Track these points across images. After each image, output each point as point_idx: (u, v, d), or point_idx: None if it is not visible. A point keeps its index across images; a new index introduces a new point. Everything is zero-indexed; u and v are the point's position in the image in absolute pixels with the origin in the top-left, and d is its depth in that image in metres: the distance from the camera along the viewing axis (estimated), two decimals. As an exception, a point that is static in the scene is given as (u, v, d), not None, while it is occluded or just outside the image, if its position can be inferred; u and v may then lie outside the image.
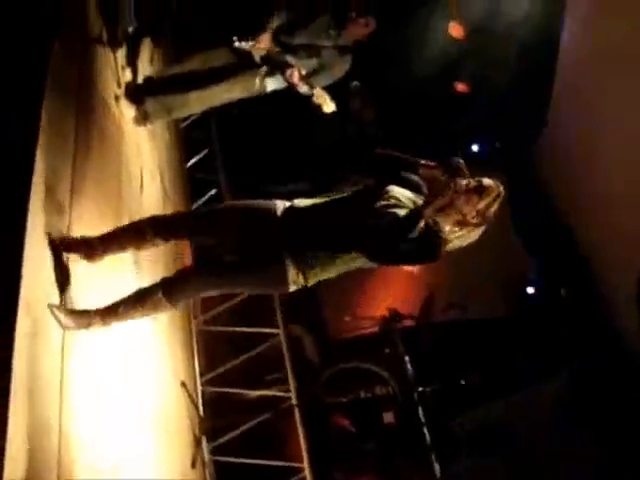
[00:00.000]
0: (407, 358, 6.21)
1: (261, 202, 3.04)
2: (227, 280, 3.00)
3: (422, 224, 2.75)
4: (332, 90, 4.86)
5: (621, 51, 5.77)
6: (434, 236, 2.80)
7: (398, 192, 2.92)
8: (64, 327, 2.79)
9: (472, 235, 2.91)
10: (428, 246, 2.80)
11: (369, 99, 7.21)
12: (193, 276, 3.04)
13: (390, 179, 2.95)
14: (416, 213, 2.78)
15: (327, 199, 2.99)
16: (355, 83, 5.85)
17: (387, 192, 2.92)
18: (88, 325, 2.91)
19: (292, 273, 2.88)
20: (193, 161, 6.80)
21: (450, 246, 2.90)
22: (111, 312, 2.97)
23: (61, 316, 2.77)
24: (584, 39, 6.50)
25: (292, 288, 2.94)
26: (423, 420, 5.80)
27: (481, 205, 2.83)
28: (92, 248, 3.00)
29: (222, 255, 3.01)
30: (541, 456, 5.72)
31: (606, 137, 6.24)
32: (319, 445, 5.31)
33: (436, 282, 7.00)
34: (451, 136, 7.17)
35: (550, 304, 7.16)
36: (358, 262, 2.92)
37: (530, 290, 7.40)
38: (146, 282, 3.15)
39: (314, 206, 2.98)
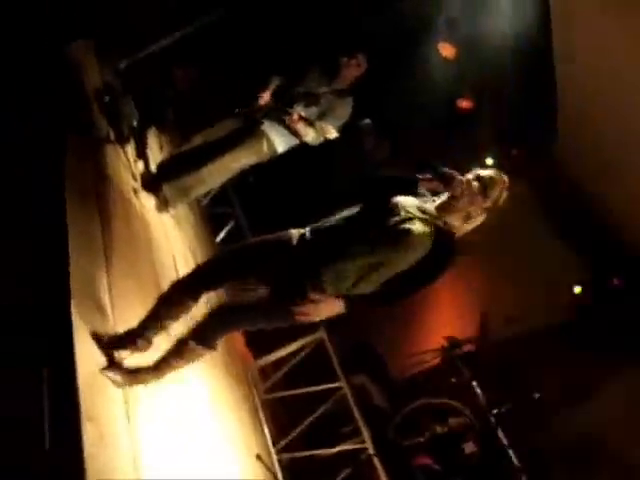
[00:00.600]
0: (474, 383, 6.07)
1: (277, 234, 3.07)
2: (256, 314, 3.00)
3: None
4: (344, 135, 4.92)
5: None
6: (448, 238, 2.91)
7: (406, 203, 2.96)
8: (118, 385, 2.84)
9: (480, 219, 2.99)
10: (447, 252, 2.91)
11: (381, 135, 7.22)
12: (221, 316, 3.03)
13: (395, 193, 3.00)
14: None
15: (341, 220, 3.00)
16: (366, 121, 5.90)
17: (396, 205, 2.94)
18: (142, 381, 2.98)
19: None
20: (222, 235, 6.88)
21: (462, 231, 2.98)
22: (157, 370, 3.03)
23: (114, 376, 2.82)
24: (575, 35, 6.49)
25: None
26: (506, 442, 5.64)
27: (488, 203, 2.94)
28: (134, 339, 3.03)
29: (248, 291, 3.02)
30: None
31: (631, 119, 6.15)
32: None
33: (487, 298, 6.89)
34: (465, 153, 7.15)
35: (602, 298, 7.01)
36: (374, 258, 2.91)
37: (577, 289, 7.24)
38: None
39: (330, 227, 2.99)
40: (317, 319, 2.89)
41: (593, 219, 7.20)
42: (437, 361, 6.84)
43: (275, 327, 3.03)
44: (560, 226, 7.53)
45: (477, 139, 7.49)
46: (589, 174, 7.13)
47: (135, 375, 2.96)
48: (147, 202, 5.04)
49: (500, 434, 5.67)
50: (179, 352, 3.03)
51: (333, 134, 4.91)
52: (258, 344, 5.78)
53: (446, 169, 2.94)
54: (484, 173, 2.96)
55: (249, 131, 5.03)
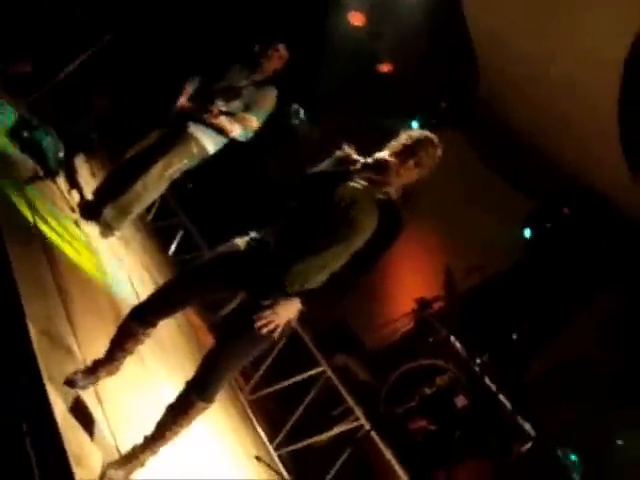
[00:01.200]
0: (452, 338, 6.13)
1: (222, 247, 3.00)
2: (245, 341, 2.91)
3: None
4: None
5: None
6: (392, 209, 2.93)
7: (345, 189, 2.93)
8: None
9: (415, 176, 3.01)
10: (394, 223, 2.94)
11: (312, 118, 7.24)
12: (219, 361, 2.91)
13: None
14: None
15: (293, 219, 2.95)
16: (294, 107, 5.90)
17: (337, 194, 2.92)
18: (141, 465, 2.88)
19: None
20: (173, 247, 6.83)
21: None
22: (157, 440, 2.90)
23: (113, 474, 2.73)
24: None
25: None
26: (494, 388, 5.71)
27: (421, 167, 2.95)
28: (101, 367, 3.01)
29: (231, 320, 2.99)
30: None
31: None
32: (409, 457, 5.21)
33: (445, 254, 6.95)
34: (394, 115, 7.17)
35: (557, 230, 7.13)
36: (339, 258, 2.89)
37: (527, 233, 7.35)
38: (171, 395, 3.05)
39: (285, 227, 2.94)
40: (275, 327, 2.83)
41: (524, 154, 7.30)
42: (411, 325, 6.89)
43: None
44: (501, 168, 7.61)
45: (403, 100, 7.52)
46: (516, 109, 7.21)
47: (131, 461, 2.85)
48: (91, 230, 4.95)
49: (487, 381, 5.73)
50: (181, 415, 2.89)
51: (254, 124, 4.87)
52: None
53: (377, 156, 2.93)
54: (411, 138, 2.96)
55: (176, 136, 4.98)
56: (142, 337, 3.02)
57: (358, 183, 2.96)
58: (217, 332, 3.10)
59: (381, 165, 2.93)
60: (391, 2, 6.62)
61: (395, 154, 2.94)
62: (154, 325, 3.01)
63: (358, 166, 2.97)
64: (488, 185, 7.52)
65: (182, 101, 4.99)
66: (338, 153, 3.01)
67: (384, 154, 2.96)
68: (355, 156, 3.00)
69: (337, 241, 2.87)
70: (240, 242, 2.98)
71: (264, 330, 2.81)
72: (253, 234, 2.98)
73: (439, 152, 2.98)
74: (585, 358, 6.07)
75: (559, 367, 6.31)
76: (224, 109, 4.94)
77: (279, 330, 2.85)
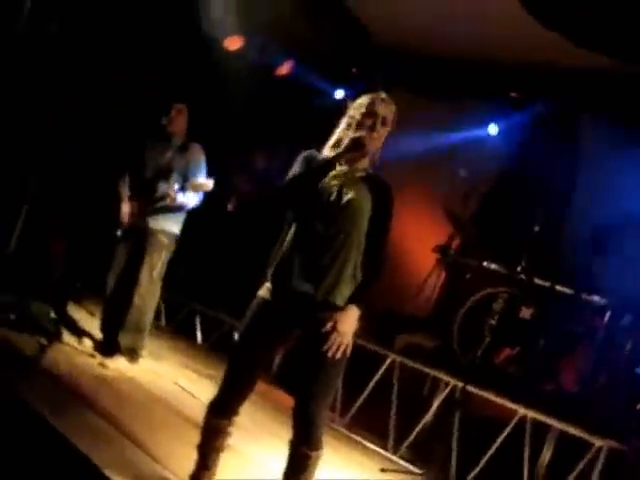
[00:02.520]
0: (485, 263, 6.08)
1: (252, 307, 2.93)
2: (331, 377, 2.85)
3: None
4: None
5: None
6: (377, 179, 2.97)
7: (327, 180, 2.91)
8: None
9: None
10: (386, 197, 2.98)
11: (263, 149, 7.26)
12: (312, 406, 2.83)
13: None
14: None
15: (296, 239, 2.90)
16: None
17: (323, 187, 2.90)
18: None
19: None
20: (199, 334, 6.88)
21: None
22: None
23: None
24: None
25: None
26: (548, 284, 5.64)
27: (388, 126, 2.94)
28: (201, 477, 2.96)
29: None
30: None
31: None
32: (514, 389, 5.17)
33: (437, 200, 6.92)
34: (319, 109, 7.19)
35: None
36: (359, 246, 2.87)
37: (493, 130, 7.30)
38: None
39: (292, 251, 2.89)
40: (349, 339, 2.78)
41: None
42: (443, 275, 6.85)
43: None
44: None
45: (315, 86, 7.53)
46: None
47: None
48: (120, 364, 4.99)
49: (538, 282, 5.68)
50: (302, 471, 2.85)
51: (210, 184, 4.90)
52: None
53: (343, 137, 2.89)
54: (363, 104, 2.92)
55: (141, 240, 5.04)
56: (230, 429, 2.97)
57: (337, 172, 2.92)
58: (287, 382, 3.04)
59: (355, 143, 2.88)
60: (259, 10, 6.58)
61: (358, 125, 2.89)
62: (237, 413, 2.96)
63: (331, 156, 2.93)
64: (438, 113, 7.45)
65: (126, 216, 5.06)
66: (305, 154, 2.97)
67: (346, 132, 2.90)
68: (322, 152, 2.97)
69: (347, 233, 2.83)
70: (263, 293, 2.92)
71: (339, 355, 2.75)
72: (270, 277, 2.93)
73: (392, 104, 2.96)
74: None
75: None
76: (176, 186, 4.98)
77: (350, 345, 2.80)
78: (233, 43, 6.94)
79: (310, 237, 2.85)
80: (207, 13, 6.53)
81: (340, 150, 2.89)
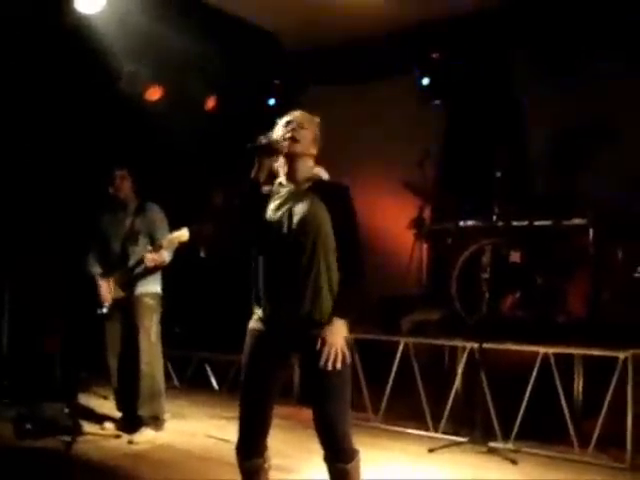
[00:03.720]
0: (461, 223, 6.12)
1: (247, 342, 2.92)
2: (341, 402, 2.83)
3: None
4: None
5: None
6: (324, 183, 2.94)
7: (273, 204, 2.93)
8: None
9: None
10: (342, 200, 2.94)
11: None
12: (333, 421, 2.82)
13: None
14: None
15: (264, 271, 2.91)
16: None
17: (270, 211, 2.91)
18: None
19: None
20: (214, 381, 6.86)
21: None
22: None
23: None
24: None
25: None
26: (527, 223, 5.69)
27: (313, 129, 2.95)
28: None
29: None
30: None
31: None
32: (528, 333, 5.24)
33: (392, 178, 6.96)
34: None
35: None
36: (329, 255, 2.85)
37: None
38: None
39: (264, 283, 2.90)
40: (342, 351, 2.77)
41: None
42: (425, 246, 6.87)
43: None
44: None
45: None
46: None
47: None
48: (147, 436, 4.97)
49: (516, 223, 5.73)
50: None
51: (185, 234, 4.89)
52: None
53: (261, 140, 2.87)
54: (287, 122, 2.94)
55: (128, 309, 5.05)
56: (266, 465, 2.96)
57: (280, 196, 2.94)
58: (307, 400, 3.04)
59: (291, 158, 2.90)
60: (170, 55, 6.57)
61: (289, 139, 2.89)
62: (266, 448, 2.94)
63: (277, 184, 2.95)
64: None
65: (106, 294, 5.06)
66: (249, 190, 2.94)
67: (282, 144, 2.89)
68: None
69: (309, 251, 2.82)
70: (252, 324, 2.93)
71: (338, 365, 2.76)
72: (256, 309, 2.93)
73: (300, 113, 2.98)
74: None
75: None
76: (149, 248, 4.97)
77: (346, 353, 2.79)
78: (153, 93, 6.93)
79: (275, 267, 2.86)
80: (120, 68, 6.51)
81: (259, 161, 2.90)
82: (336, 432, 2.82)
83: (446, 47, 6.81)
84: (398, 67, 7.03)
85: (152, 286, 5.08)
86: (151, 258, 4.91)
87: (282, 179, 2.97)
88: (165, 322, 5.22)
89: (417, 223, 6.74)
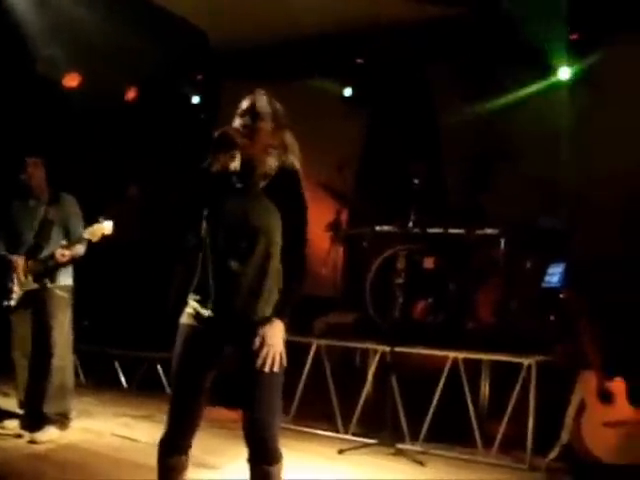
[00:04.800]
0: (377, 228, 6.20)
1: (179, 337, 2.85)
2: (273, 398, 2.79)
3: None
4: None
5: None
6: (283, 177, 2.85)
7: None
8: None
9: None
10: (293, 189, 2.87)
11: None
12: (261, 425, 2.75)
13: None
14: None
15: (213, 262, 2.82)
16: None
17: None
18: None
19: None
20: (123, 378, 6.75)
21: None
22: None
23: None
24: None
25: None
26: (442, 230, 5.82)
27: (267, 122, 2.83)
28: None
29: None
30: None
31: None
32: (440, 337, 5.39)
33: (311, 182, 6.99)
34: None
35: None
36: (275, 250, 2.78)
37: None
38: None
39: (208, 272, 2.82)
40: (280, 353, 2.71)
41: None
42: (341, 250, 6.95)
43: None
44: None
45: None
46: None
47: None
48: (50, 435, 4.81)
49: (431, 230, 5.86)
50: None
51: (109, 226, 4.75)
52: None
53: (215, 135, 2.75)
54: (244, 103, 2.84)
55: (40, 302, 4.88)
56: (185, 464, 2.88)
57: (237, 193, 2.83)
58: (223, 398, 2.96)
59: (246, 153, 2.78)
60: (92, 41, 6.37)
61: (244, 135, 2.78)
62: (190, 446, 2.87)
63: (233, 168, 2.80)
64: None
65: (15, 284, 4.87)
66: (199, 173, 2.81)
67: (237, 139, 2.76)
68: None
69: (261, 247, 2.75)
70: (188, 320, 2.83)
71: (276, 367, 2.70)
72: (191, 302, 2.85)
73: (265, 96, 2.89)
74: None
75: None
76: (64, 243, 4.83)
77: (284, 355, 2.75)
78: (71, 80, 6.73)
79: (223, 263, 2.77)
80: (38, 52, 6.28)
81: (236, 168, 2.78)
82: (264, 434, 2.77)
83: (370, 55, 6.92)
84: (323, 69, 7.09)
85: (65, 278, 4.94)
86: (60, 253, 4.76)
87: (237, 171, 2.81)
88: (74, 315, 5.07)
89: (334, 226, 6.82)
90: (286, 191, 2.82)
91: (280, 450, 2.82)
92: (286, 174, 2.85)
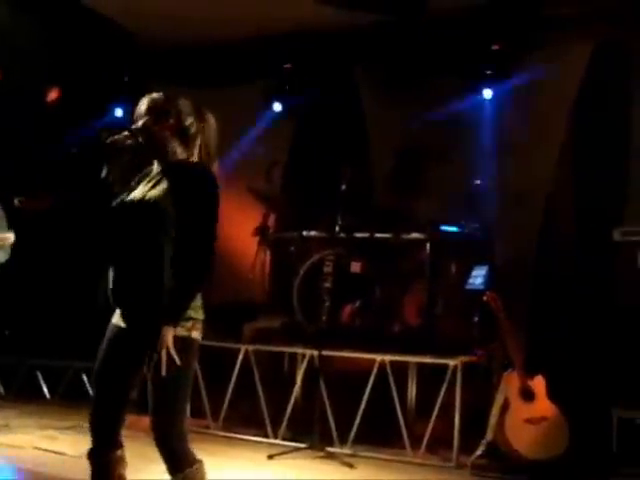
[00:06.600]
0: (304, 233, 6.19)
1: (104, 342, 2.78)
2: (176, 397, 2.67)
3: None
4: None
5: None
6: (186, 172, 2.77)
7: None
8: None
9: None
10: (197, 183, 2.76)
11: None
12: (159, 432, 2.65)
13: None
14: None
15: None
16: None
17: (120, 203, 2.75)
18: None
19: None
20: (45, 389, 6.57)
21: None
22: None
23: None
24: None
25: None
26: (369, 234, 5.88)
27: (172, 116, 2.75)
28: None
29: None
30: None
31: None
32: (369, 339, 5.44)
33: (240, 181, 6.98)
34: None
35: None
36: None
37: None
38: None
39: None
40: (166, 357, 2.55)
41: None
42: (268, 253, 6.92)
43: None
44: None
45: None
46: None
47: None
48: None
49: (359, 235, 5.91)
50: None
51: (10, 237, 4.61)
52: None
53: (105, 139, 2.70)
54: (141, 110, 2.76)
55: None
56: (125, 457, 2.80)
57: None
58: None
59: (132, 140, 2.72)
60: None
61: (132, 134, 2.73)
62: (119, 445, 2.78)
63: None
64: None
65: None
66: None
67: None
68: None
69: (144, 244, 2.65)
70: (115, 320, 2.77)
71: (162, 371, 2.54)
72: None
73: (149, 96, 2.79)
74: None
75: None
76: None
77: (173, 358, 2.55)
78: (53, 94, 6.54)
79: (115, 259, 2.72)
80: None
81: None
82: (160, 443, 2.67)
83: (299, 59, 6.94)
84: (252, 74, 7.07)
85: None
86: None
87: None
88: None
89: (261, 230, 6.78)
90: (181, 180, 2.69)
91: (186, 457, 2.69)
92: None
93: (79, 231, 6.68)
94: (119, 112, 7.45)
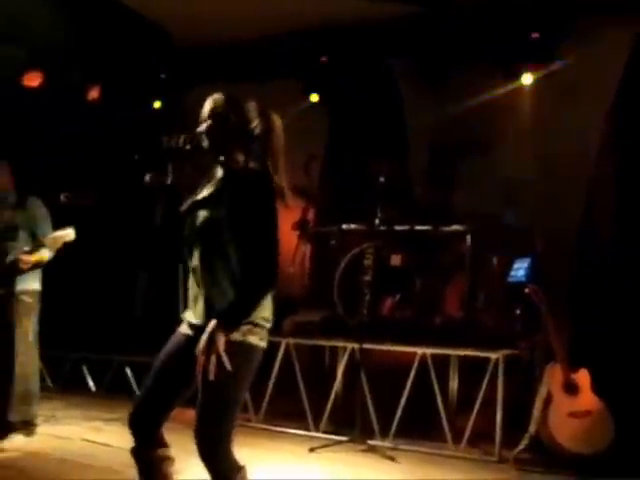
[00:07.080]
0: (344, 226, 6.20)
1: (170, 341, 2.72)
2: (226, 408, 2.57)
3: None
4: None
5: None
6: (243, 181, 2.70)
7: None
8: None
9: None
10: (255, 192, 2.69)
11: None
12: (202, 444, 2.54)
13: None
14: None
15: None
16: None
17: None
18: None
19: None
20: (91, 382, 6.71)
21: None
22: None
23: None
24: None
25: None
26: (409, 227, 5.85)
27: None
28: None
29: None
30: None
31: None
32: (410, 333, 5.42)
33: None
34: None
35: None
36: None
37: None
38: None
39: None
40: (214, 360, 2.45)
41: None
42: (309, 249, 6.93)
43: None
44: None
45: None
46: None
47: None
48: (16, 443, 4.74)
49: (398, 227, 5.89)
50: None
51: (71, 234, 4.67)
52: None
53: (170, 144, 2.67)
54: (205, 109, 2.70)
55: (3, 307, 4.78)
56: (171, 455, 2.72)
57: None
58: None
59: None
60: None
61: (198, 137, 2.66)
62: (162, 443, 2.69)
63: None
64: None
65: None
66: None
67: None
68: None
69: (208, 255, 2.63)
70: (183, 329, 2.72)
71: (211, 376, 2.45)
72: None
73: (214, 95, 2.73)
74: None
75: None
76: (26, 249, 4.73)
77: (224, 360, 2.46)
78: (32, 79, 6.60)
79: (189, 271, 2.69)
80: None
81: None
82: (204, 456, 2.55)
83: (334, 53, 6.92)
84: (287, 69, 7.08)
85: (31, 283, 4.86)
86: (26, 260, 4.68)
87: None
88: (41, 320, 5.00)
89: (301, 224, 6.80)
90: (240, 187, 2.62)
91: (230, 471, 2.58)
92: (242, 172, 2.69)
93: (123, 227, 6.79)
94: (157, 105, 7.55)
